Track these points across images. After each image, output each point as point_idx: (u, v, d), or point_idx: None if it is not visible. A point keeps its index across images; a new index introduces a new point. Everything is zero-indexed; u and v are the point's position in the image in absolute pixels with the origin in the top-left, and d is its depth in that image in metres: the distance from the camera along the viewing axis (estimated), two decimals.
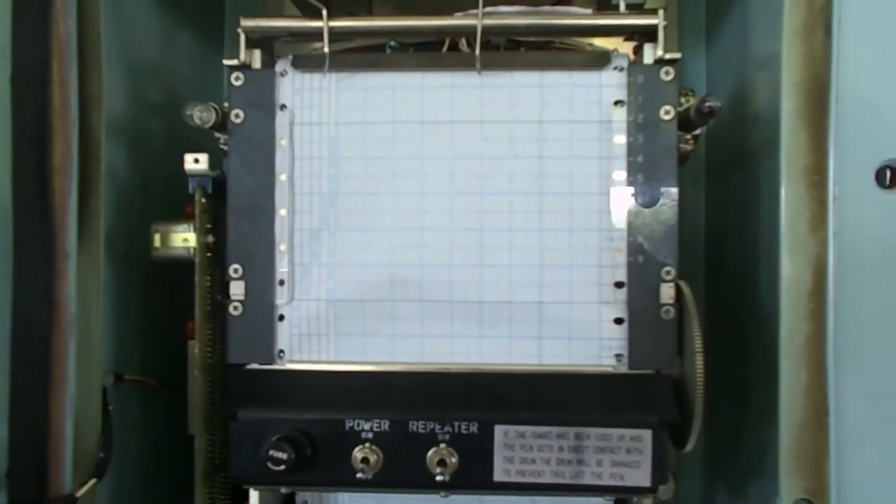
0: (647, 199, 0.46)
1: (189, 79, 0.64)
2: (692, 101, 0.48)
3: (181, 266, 0.50)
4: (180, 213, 0.50)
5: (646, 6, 0.65)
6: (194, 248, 0.49)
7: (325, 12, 0.46)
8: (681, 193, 0.46)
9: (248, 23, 0.47)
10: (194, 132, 0.48)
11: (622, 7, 0.50)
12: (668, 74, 0.46)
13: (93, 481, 0.44)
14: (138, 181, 0.55)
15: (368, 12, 0.65)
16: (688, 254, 0.63)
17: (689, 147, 0.49)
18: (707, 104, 0.45)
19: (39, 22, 0.39)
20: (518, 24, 0.47)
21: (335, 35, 0.47)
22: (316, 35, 0.47)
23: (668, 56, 0.46)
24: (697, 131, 0.49)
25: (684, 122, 0.47)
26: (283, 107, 0.47)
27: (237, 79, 0.47)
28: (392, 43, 0.51)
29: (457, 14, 0.47)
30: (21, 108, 0.40)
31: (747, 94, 0.53)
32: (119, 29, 0.51)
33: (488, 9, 0.46)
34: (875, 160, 0.42)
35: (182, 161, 0.48)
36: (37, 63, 0.39)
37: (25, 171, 0.40)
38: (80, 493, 0.43)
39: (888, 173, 0.42)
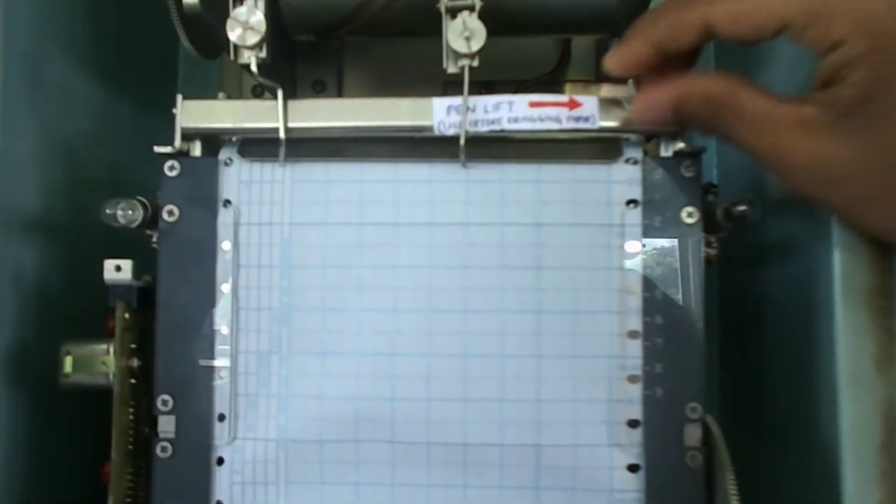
0: (668, 320, 0.40)
1: (131, 158, 0.56)
2: (717, 199, 0.42)
3: (100, 394, 0.42)
4: (101, 331, 0.42)
5: None
6: (114, 374, 0.41)
7: (280, 92, 0.40)
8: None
9: (187, 118, 0.41)
10: None
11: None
12: (689, 170, 0.41)
13: None
14: (54, 283, 0.47)
15: (338, 82, 0.59)
16: None
17: (712, 251, 0.43)
18: (739, 207, 0.39)
19: None
20: None
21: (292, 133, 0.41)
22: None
23: (688, 149, 0.40)
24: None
25: (707, 224, 0.42)
26: (226, 202, 0.42)
27: (171, 168, 0.42)
28: None
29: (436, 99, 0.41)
30: None
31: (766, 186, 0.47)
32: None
33: (473, 97, 0.40)
34: None
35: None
36: None
37: None
38: None
39: None
